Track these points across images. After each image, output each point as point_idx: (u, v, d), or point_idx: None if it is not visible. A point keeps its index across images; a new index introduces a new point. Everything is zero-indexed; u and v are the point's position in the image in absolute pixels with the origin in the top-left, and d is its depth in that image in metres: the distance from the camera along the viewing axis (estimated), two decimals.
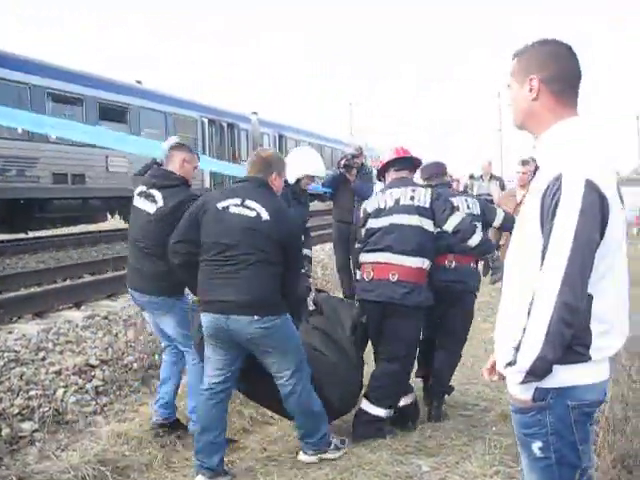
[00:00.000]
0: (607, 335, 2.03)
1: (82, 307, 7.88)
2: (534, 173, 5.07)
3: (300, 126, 30.03)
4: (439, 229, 4.48)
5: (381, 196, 4.66)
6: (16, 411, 4.71)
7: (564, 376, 2.00)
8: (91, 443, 4.09)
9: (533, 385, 2.01)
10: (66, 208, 15.16)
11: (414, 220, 4.43)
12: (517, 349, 2.02)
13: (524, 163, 6.94)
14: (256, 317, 3.66)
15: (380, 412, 4.52)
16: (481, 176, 11.41)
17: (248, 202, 3.77)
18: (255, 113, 25.39)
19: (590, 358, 2.00)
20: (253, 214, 3.74)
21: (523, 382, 2.01)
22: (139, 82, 18.41)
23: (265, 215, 3.74)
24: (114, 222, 18.71)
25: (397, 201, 4.51)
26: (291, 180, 5.24)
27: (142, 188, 4.41)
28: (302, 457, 4.13)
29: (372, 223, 4.56)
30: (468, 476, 3.95)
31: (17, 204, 14.08)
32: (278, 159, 4.18)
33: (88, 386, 5.40)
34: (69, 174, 14.68)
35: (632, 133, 53.99)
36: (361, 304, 4.53)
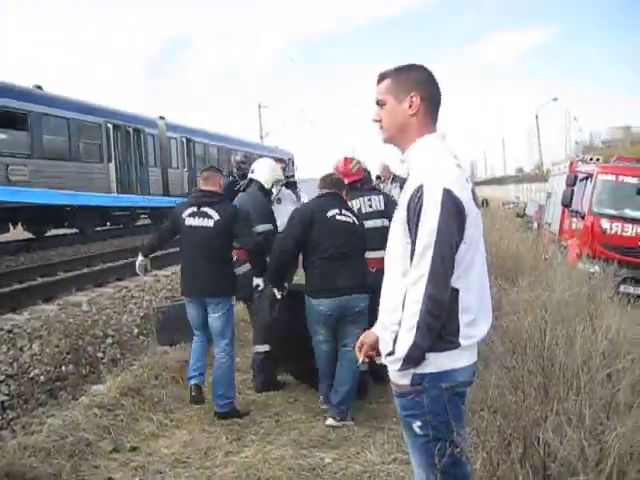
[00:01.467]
0: (473, 323, 2.32)
1: None
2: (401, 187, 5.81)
3: (209, 130, 29.85)
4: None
5: (354, 202, 5.67)
6: None
7: (437, 362, 2.28)
8: None
9: (410, 371, 2.29)
10: None
11: (377, 223, 5.63)
12: (395, 340, 2.28)
13: None
14: (364, 295, 4.95)
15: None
16: (382, 179, 11.73)
17: (344, 211, 5.10)
18: (162, 117, 25.11)
19: (459, 345, 2.28)
20: (351, 220, 5.11)
21: (401, 369, 2.27)
22: (39, 87, 17.87)
23: (356, 220, 5.16)
24: (16, 232, 18.15)
25: (359, 210, 5.63)
26: (268, 185, 6.13)
27: (192, 209, 5.26)
28: (330, 422, 4.97)
29: (368, 224, 5.52)
30: (368, 465, 4.22)
31: None
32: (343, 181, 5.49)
33: None
34: None
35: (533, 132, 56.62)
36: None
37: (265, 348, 5.81)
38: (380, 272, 5.05)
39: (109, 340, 7.32)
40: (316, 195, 5.40)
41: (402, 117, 2.42)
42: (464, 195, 2.25)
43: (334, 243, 4.95)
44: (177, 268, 12.40)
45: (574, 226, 12.10)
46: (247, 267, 5.63)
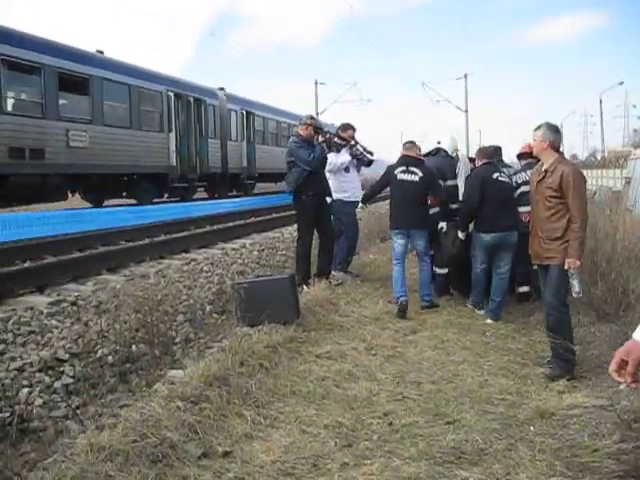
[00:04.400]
0: None
1: (46, 291, 6.96)
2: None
3: (268, 104, 29.06)
4: None
5: (524, 174, 7.68)
6: None
7: None
8: (66, 460, 3.27)
9: None
10: (24, 185, 14.02)
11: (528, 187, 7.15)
12: None
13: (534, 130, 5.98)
14: (515, 232, 7.11)
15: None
16: None
17: (502, 174, 7.32)
18: (222, 89, 24.37)
19: None
20: (506, 179, 7.33)
21: None
22: (101, 52, 17.25)
23: (508, 179, 7.42)
24: (75, 200, 17.70)
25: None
26: (450, 152, 8.50)
27: (402, 168, 7.58)
28: (488, 321, 7.05)
29: (523, 189, 7.48)
30: None
31: None
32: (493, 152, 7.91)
33: (57, 385, 4.57)
34: (27, 149, 13.59)
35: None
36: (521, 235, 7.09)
37: (444, 271, 8.22)
38: (528, 221, 6.70)
39: (180, 317, 6.52)
40: (481, 163, 7.48)
41: None
42: None
43: (498, 197, 7.08)
44: (245, 241, 11.68)
45: None
46: (434, 210, 7.92)
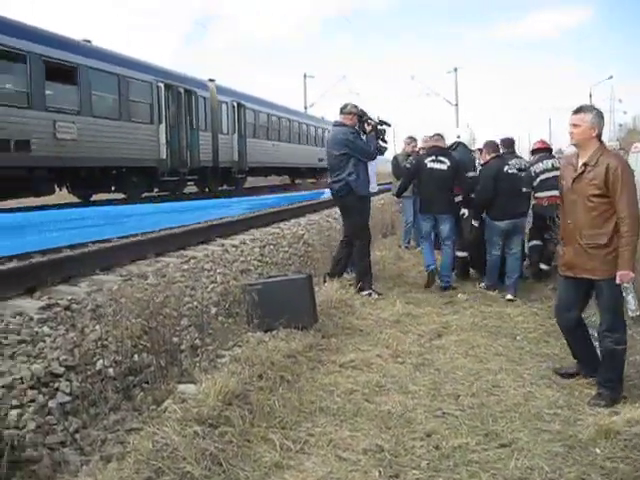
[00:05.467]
0: None
1: (36, 294, 6.29)
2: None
3: (260, 96, 28.38)
4: None
5: (542, 164, 8.71)
6: None
7: None
8: None
9: None
10: (8, 178, 13.29)
11: (555, 173, 8.08)
12: None
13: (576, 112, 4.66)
14: (525, 218, 8.36)
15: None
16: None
17: (512, 167, 7.99)
18: (212, 80, 23.67)
19: None
20: (516, 171, 8.01)
21: None
22: (88, 41, 16.52)
23: (518, 171, 8.06)
24: (62, 195, 17.00)
25: (553, 164, 8.64)
26: (470, 146, 9.27)
27: (432, 157, 8.28)
28: (509, 297, 7.72)
29: (542, 177, 8.61)
30: None
31: None
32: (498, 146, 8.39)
33: (51, 404, 3.94)
34: (12, 140, 12.88)
35: None
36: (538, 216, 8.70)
37: (464, 254, 8.84)
38: (552, 205, 8.04)
39: (184, 321, 5.91)
40: (492, 156, 8.04)
41: None
42: None
43: (508, 188, 7.80)
44: (244, 237, 11.05)
45: None
46: (458, 198, 8.49)
